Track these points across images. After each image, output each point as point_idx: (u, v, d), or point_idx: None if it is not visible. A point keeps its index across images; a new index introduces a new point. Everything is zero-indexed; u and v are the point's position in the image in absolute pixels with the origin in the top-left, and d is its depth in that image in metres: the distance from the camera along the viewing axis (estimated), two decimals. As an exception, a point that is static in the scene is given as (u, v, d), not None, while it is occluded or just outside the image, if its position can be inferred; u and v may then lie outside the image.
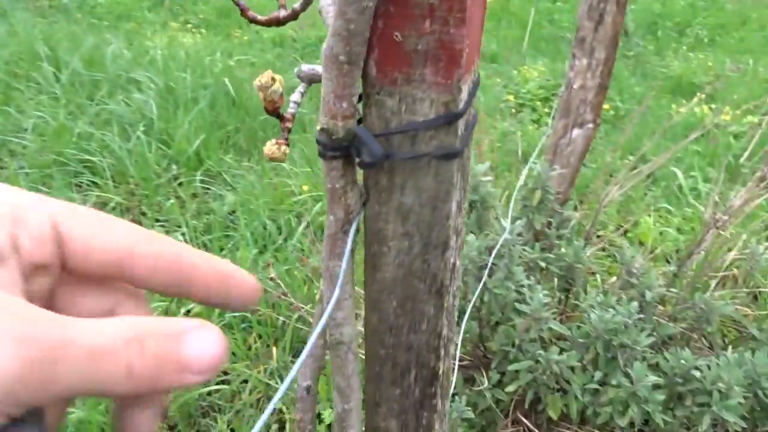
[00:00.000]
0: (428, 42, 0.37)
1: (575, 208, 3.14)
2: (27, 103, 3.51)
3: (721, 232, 1.91)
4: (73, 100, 3.66)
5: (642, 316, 1.50)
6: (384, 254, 0.45)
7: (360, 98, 0.41)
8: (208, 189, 3.06)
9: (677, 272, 1.88)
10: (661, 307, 1.90)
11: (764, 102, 4.31)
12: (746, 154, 3.24)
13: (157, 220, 2.77)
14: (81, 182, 2.96)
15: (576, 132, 1.95)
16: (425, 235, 0.44)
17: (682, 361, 1.40)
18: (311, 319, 1.96)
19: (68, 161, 3.03)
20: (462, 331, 1.37)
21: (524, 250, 1.66)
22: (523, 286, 1.56)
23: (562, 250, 1.79)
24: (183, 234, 2.61)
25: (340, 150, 0.40)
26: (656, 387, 1.41)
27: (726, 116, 4.04)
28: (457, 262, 0.47)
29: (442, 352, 0.49)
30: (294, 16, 0.58)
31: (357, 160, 0.41)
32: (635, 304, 1.48)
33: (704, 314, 1.63)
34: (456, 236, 0.45)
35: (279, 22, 0.58)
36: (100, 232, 0.27)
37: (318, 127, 0.40)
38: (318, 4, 0.49)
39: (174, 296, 0.31)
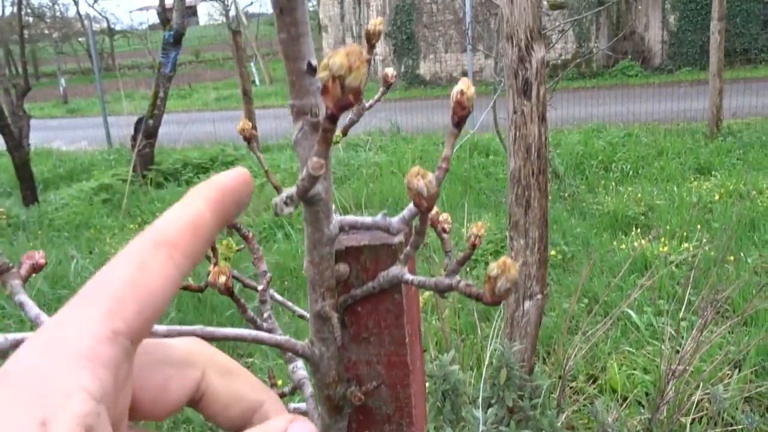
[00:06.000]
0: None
1: (543, 361, 3.24)
2: (-8, 332, 3.52)
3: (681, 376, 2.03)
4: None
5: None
6: None
7: None
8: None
9: (650, 423, 1.96)
10: (641, 462, 1.95)
11: (696, 228, 4.65)
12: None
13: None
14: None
15: (528, 304, 2.10)
16: None
17: None
18: None
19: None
20: None
21: None
22: (506, 469, 1.61)
23: (538, 421, 1.86)
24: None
25: None
26: None
27: (664, 247, 4.32)
28: None
29: None
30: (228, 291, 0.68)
31: None
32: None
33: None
34: None
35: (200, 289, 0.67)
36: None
37: None
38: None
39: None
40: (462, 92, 0.38)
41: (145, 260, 0.26)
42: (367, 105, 0.74)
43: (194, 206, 0.29)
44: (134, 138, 7.09)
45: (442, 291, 0.36)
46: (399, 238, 0.40)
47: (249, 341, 0.39)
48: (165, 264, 0.27)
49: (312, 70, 0.32)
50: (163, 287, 0.27)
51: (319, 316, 0.38)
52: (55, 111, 18.61)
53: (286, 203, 0.30)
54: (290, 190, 0.31)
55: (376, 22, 0.67)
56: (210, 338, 0.38)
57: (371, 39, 0.69)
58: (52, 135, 12.19)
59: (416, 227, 0.37)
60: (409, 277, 0.38)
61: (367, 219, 0.39)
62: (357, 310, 0.41)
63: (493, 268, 0.31)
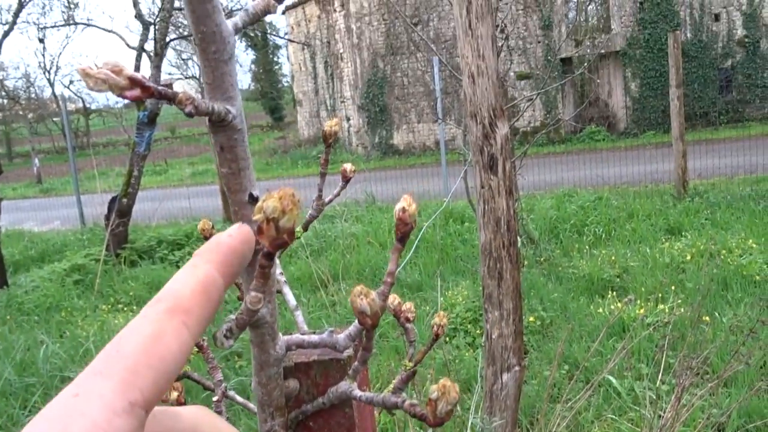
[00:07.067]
0: None
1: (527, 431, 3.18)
2: (-45, 427, 3.37)
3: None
4: (5, 412, 3.54)
5: None
6: None
7: None
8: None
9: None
10: None
11: (671, 289, 4.70)
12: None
13: None
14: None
15: (506, 377, 2.08)
16: None
17: None
18: None
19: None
20: None
21: None
22: None
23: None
24: None
25: None
26: None
27: (640, 310, 4.35)
28: None
29: None
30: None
31: None
32: None
33: None
34: None
35: None
36: None
37: None
38: None
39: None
40: (404, 209, 0.39)
41: (159, 329, 0.27)
42: (326, 200, 0.76)
43: (203, 270, 0.29)
44: (108, 217, 7.06)
45: (389, 408, 0.36)
46: (348, 353, 0.40)
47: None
48: (179, 331, 0.27)
49: (254, 200, 0.34)
50: (177, 354, 0.27)
51: (269, 437, 0.38)
52: (28, 191, 18.51)
53: (226, 336, 0.31)
54: (230, 323, 0.31)
55: (331, 123, 0.70)
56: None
57: (327, 139, 0.71)
58: (25, 216, 12.07)
59: (363, 343, 0.38)
60: (357, 393, 0.39)
61: (314, 337, 0.39)
62: (309, 425, 0.41)
63: (434, 390, 0.32)
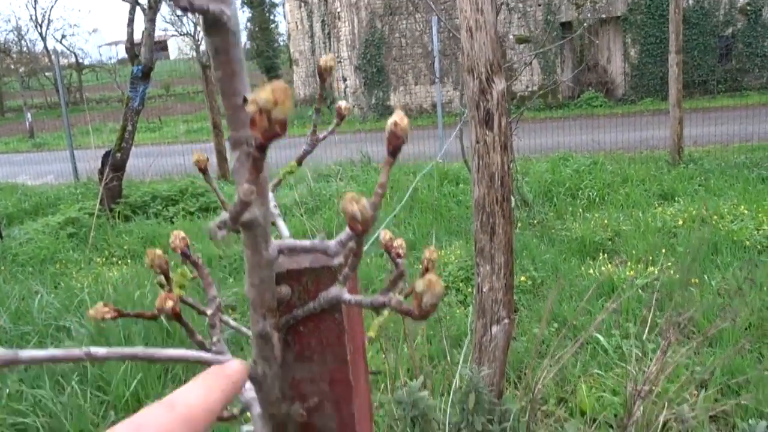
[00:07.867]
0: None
1: (515, 386, 3.26)
2: (-49, 373, 3.42)
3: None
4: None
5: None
6: None
7: None
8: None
9: (615, 447, 1.98)
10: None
11: (662, 253, 4.75)
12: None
13: (99, 479, 2.66)
14: (14, 452, 2.84)
15: (495, 329, 2.12)
16: None
17: None
18: None
19: (-1, 429, 2.92)
20: None
21: (469, 457, 1.73)
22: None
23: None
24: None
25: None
26: None
27: (630, 271, 4.40)
28: None
29: None
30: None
31: None
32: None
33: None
34: None
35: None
36: None
37: None
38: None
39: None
40: (396, 123, 0.40)
41: None
42: (320, 136, 0.76)
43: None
44: (101, 171, 7.03)
45: (377, 308, 0.38)
46: (339, 260, 0.42)
47: (192, 362, 0.41)
48: None
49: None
50: None
51: (261, 336, 0.40)
52: (20, 145, 18.35)
53: (219, 227, 0.32)
54: (224, 216, 0.33)
55: (327, 58, 0.70)
56: (151, 360, 0.39)
57: (323, 74, 0.72)
58: (18, 170, 12.01)
59: (354, 248, 0.40)
60: (347, 297, 0.40)
61: (306, 242, 0.41)
62: (299, 330, 0.43)
63: (420, 284, 0.33)
